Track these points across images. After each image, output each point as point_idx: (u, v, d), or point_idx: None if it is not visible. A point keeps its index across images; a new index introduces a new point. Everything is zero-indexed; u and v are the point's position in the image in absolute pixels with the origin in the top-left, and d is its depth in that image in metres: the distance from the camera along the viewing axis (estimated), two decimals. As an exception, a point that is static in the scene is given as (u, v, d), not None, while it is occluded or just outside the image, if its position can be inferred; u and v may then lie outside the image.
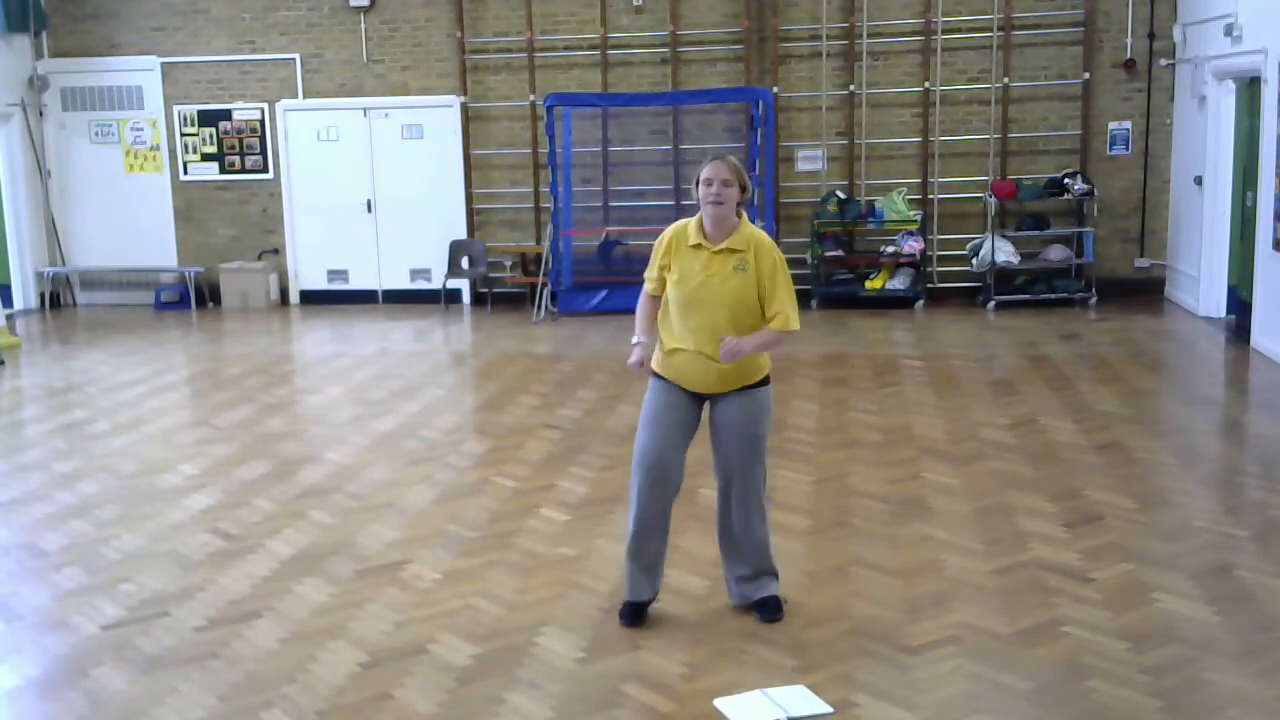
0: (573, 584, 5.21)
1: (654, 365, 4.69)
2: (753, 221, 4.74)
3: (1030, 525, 5.79)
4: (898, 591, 5.04)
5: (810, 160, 12.78)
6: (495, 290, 13.26)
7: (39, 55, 13.68)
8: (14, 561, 5.73)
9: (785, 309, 4.54)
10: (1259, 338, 9.66)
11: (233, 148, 13.63)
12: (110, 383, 9.75)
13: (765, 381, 4.68)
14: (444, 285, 13.12)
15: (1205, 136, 11.18)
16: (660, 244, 4.65)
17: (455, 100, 13.12)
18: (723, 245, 4.51)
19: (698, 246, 4.53)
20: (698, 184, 4.52)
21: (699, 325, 4.52)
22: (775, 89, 12.40)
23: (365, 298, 13.62)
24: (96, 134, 13.85)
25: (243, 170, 13.66)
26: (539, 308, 12.36)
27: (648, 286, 4.70)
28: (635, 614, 4.73)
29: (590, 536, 5.79)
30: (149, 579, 5.42)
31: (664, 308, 4.66)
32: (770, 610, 4.76)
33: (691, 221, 4.60)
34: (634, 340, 4.72)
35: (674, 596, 4.93)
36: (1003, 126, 12.43)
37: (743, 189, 4.51)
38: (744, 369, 4.59)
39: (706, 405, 4.69)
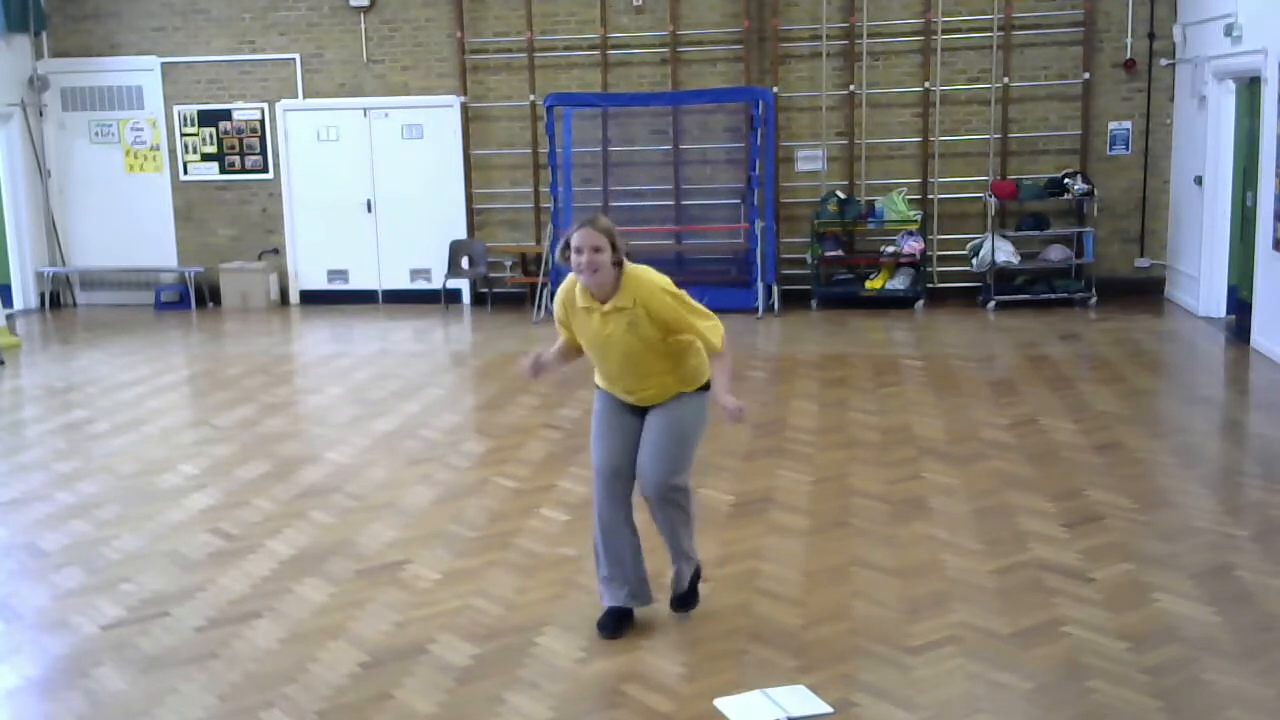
0: (573, 584, 5.21)
1: (597, 380, 4.73)
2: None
3: (1030, 525, 5.79)
4: (898, 591, 5.04)
5: (810, 160, 12.77)
6: (495, 290, 13.26)
7: (39, 55, 13.68)
8: (14, 561, 5.73)
9: (703, 335, 4.45)
10: (1259, 338, 9.66)
11: (233, 148, 13.63)
12: (110, 383, 9.75)
13: (704, 388, 4.65)
14: (444, 285, 13.12)
15: (1205, 136, 11.18)
16: (556, 306, 4.62)
17: (455, 100, 13.12)
18: (610, 306, 4.44)
19: (588, 309, 4.49)
20: (568, 250, 4.40)
21: (618, 369, 4.56)
22: (775, 89, 12.39)
23: (365, 298, 13.61)
24: (96, 134, 13.84)
25: (243, 170, 13.66)
26: (539, 308, 12.36)
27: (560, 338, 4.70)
28: (613, 622, 4.67)
29: (590, 536, 5.78)
30: (149, 579, 5.42)
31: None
32: (677, 604, 4.80)
33: (577, 284, 4.51)
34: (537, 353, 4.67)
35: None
36: (1003, 126, 12.43)
37: (615, 249, 4.38)
38: (676, 385, 4.58)
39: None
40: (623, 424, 4.66)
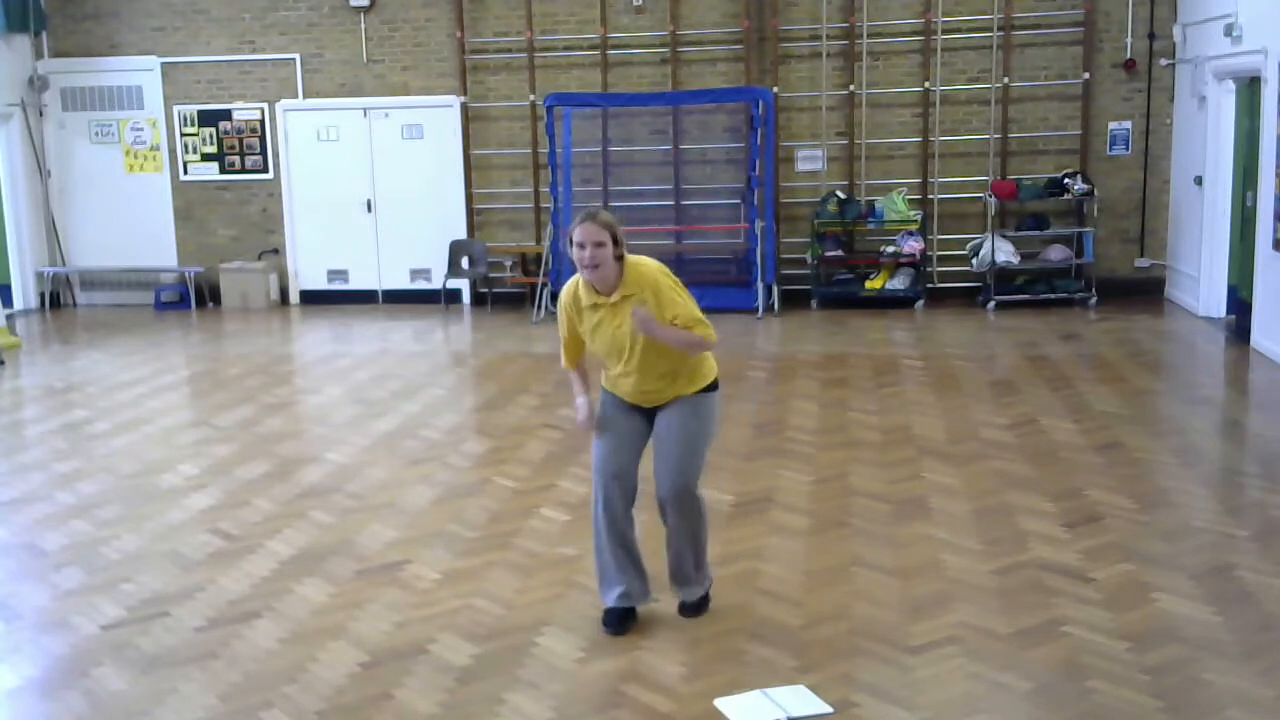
0: (573, 584, 5.21)
1: (603, 383, 4.73)
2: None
3: (1030, 525, 5.79)
4: (898, 591, 5.04)
5: (810, 160, 12.77)
6: (495, 290, 13.26)
7: (39, 55, 13.68)
8: (14, 561, 5.73)
9: (697, 324, 4.46)
10: (1259, 338, 9.66)
11: (233, 148, 13.63)
12: (110, 383, 9.74)
13: (711, 388, 4.66)
14: (444, 285, 13.12)
15: (1205, 136, 11.18)
16: (560, 314, 4.67)
17: (455, 100, 13.12)
18: (617, 296, 4.49)
19: (595, 305, 4.54)
20: (570, 244, 4.46)
21: (628, 368, 4.56)
22: (775, 89, 12.39)
23: (365, 298, 13.61)
24: (96, 134, 13.84)
25: (243, 170, 13.66)
26: (539, 308, 12.36)
27: (564, 363, 4.73)
28: (617, 619, 4.69)
29: (590, 536, 5.77)
30: (149, 579, 5.42)
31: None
32: (689, 611, 4.82)
33: (579, 282, 4.57)
34: (577, 401, 4.70)
35: (674, 596, 4.92)
36: (1003, 126, 12.43)
37: (616, 242, 4.44)
38: (685, 382, 4.59)
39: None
40: (627, 425, 4.65)
